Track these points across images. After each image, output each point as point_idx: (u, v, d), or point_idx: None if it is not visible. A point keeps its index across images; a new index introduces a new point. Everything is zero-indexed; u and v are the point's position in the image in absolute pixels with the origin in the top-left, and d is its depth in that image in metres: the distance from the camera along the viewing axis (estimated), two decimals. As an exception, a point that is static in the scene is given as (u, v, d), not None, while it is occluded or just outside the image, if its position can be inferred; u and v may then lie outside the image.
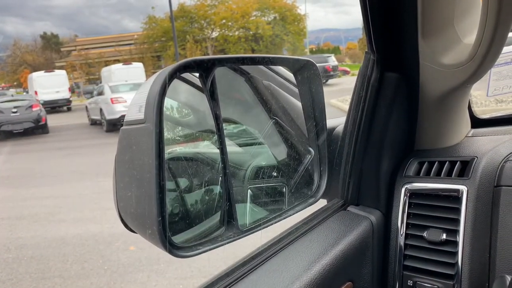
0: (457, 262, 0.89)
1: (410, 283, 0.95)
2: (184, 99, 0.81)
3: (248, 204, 0.85)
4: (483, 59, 0.80)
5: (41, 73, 26.67)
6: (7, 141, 14.73)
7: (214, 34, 44.19)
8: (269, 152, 0.96)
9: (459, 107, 1.04)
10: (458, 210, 0.91)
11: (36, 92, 24.03)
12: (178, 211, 0.70)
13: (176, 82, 0.63)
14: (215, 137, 0.69)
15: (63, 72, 27.79)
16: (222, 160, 0.68)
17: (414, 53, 0.93)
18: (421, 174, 1.00)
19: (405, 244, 0.97)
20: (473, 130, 1.19)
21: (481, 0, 0.78)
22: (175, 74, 0.60)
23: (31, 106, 15.92)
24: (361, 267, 0.93)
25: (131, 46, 51.39)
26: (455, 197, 0.92)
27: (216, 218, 0.71)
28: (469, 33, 0.87)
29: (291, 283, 0.72)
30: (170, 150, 0.73)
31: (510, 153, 0.95)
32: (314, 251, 0.82)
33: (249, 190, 0.87)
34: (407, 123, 1.03)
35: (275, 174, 0.93)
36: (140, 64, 24.96)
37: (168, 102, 0.68)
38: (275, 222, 0.80)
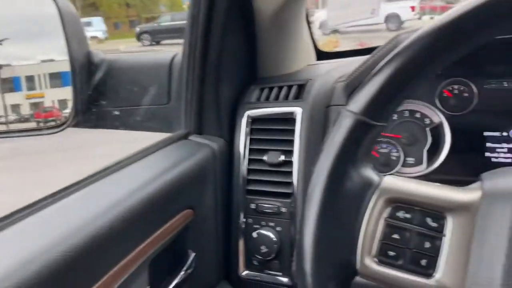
0: (292, 181, 0.91)
1: (253, 206, 0.96)
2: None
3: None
4: None
5: None
6: None
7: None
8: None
9: (298, 32, 1.05)
10: (293, 132, 0.93)
11: None
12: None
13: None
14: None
15: None
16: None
17: None
18: (261, 100, 0.99)
19: (248, 170, 0.97)
20: (316, 61, 1.23)
21: None
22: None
23: None
24: (203, 194, 0.90)
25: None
26: (290, 119, 0.94)
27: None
28: None
29: (112, 207, 0.65)
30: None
31: (342, 76, 0.99)
32: (145, 176, 0.76)
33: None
34: (247, 48, 1.01)
35: None
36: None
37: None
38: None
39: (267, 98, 0.99)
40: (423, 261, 0.46)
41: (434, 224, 0.47)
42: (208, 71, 0.93)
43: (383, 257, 0.47)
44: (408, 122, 1.00)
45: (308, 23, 1.21)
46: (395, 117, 1.01)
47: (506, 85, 0.94)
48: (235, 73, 1.00)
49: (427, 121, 0.99)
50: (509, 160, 0.94)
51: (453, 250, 0.45)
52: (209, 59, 0.92)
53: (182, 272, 0.84)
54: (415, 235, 0.47)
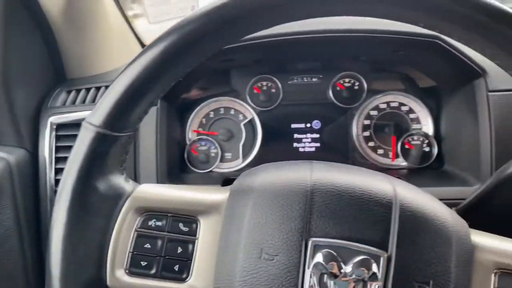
0: None
1: None
2: None
3: None
4: None
5: None
6: None
7: None
8: None
9: (104, 29, 0.99)
10: None
11: None
12: None
13: None
14: None
15: None
16: None
17: None
18: (67, 104, 0.92)
19: (56, 180, 0.90)
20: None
21: None
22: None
23: None
24: None
25: None
26: None
27: None
28: None
29: None
30: None
31: None
32: None
33: None
34: (46, 49, 0.93)
35: None
36: None
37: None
38: None
39: (74, 102, 0.93)
40: (176, 266, 0.46)
41: (185, 229, 0.47)
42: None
43: (135, 268, 0.46)
44: (224, 119, 1.03)
45: (127, 19, 1.16)
46: (211, 114, 1.03)
47: (306, 80, 1.02)
48: (34, 76, 0.91)
49: (241, 117, 1.03)
50: (313, 149, 1.03)
51: (205, 252, 0.47)
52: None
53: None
54: (167, 242, 0.47)
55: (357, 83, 1.01)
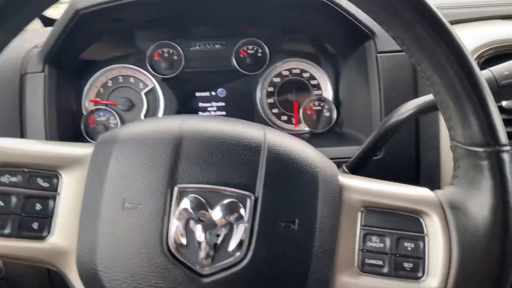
0: None
1: None
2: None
3: None
4: None
5: None
6: None
7: None
8: None
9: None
10: None
11: None
12: None
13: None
14: None
15: None
16: None
17: None
18: None
19: None
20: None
21: None
22: None
23: None
24: None
25: None
26: None
27: None
28: None
29: None
30: None
31: (40, 42, 0.89)
32: None
33: None
34: None
35: None
36: None
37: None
38: None
39: None
40: (35, 224, 0.43)
41: (45, 184, 0.44)
42: None
43: None
44: (123, 87, 0.98)
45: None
46: (110, 83, 0.97)
47: (209, 47, 1.00)
48: None
49: (141, 85, 0.98)
50: (218, 118, 1.01)
51: (68, 208, 0.43)
52: None
53: None
54: (24, 199, 0.43)
55: (260, 50, 1.01)
